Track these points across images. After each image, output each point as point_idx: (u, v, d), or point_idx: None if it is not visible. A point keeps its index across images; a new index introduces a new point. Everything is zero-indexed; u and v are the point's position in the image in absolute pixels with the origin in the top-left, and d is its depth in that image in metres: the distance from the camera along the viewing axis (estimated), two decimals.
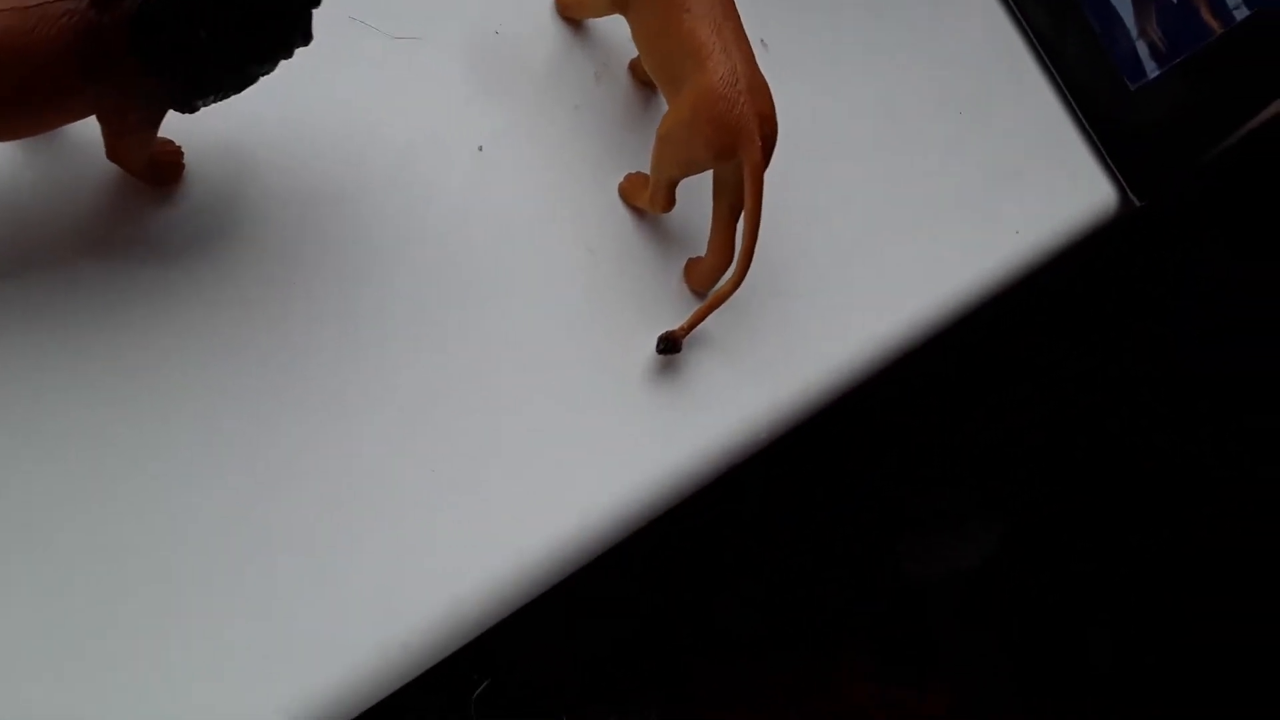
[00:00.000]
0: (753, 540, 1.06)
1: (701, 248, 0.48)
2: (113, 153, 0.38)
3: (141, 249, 0.40)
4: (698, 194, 0.47)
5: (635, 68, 0.53)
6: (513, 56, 0.51)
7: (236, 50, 0.34)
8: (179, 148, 0.41)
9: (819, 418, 0.52)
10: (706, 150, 0.43)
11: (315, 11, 0.36)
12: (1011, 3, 0.64)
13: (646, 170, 0.48)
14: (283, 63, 0.37)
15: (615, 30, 0.49)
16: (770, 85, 0.44)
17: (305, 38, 0.36)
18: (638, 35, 0.47)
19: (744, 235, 0.44)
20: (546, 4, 0.52)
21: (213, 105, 0.37)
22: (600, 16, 0.51)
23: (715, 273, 0.48)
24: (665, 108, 0.46)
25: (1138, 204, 0.62)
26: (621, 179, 0.50)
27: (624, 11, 0.47)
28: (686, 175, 0.46)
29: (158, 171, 0.40)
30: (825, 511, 1.10)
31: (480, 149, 0.49)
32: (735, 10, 0.44)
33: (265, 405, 0.40)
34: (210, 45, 0.33)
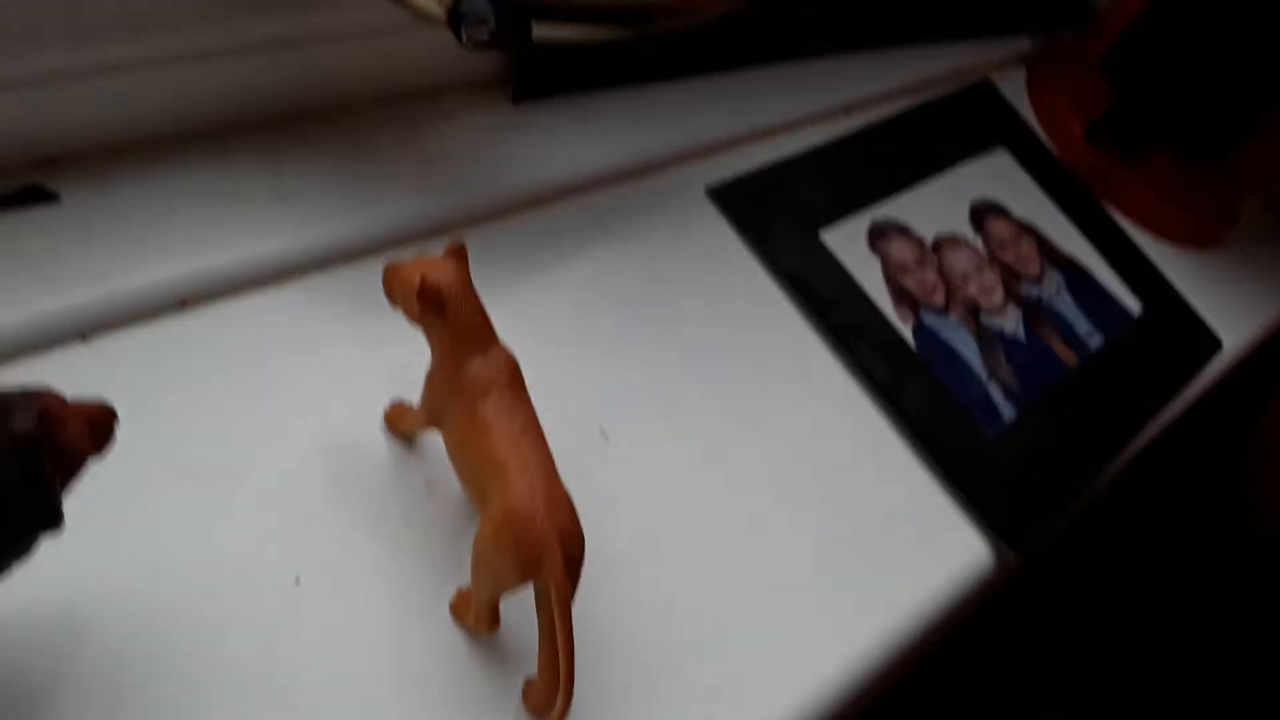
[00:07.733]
0: None
1: None
2: None
3: None
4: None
5: None
6: (339, 477, 0.50)
7: None
8: None
9: None
10: (512, 569, 0.41)
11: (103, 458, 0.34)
12: (852, 361, 0.65)
13: None
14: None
15: None
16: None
17: (51, 524, 0.33)
18: (450, 452, 0.46)
19: (561, 660, 0.41)
20: (376, 421, 0.52)
21: None
22: (422, 430, 0.51)
23: (550, 695, 0.43)
24: None
25: (1014, 558, 0.59)
26: (453, 595, 0.47)
27: (439, 428, 0.47)
28: (502, 594, 0.44)
29: None
30: None
31: (297, 581, 0.46)
32: (536, 421, 0.44)
33: None
34: None
